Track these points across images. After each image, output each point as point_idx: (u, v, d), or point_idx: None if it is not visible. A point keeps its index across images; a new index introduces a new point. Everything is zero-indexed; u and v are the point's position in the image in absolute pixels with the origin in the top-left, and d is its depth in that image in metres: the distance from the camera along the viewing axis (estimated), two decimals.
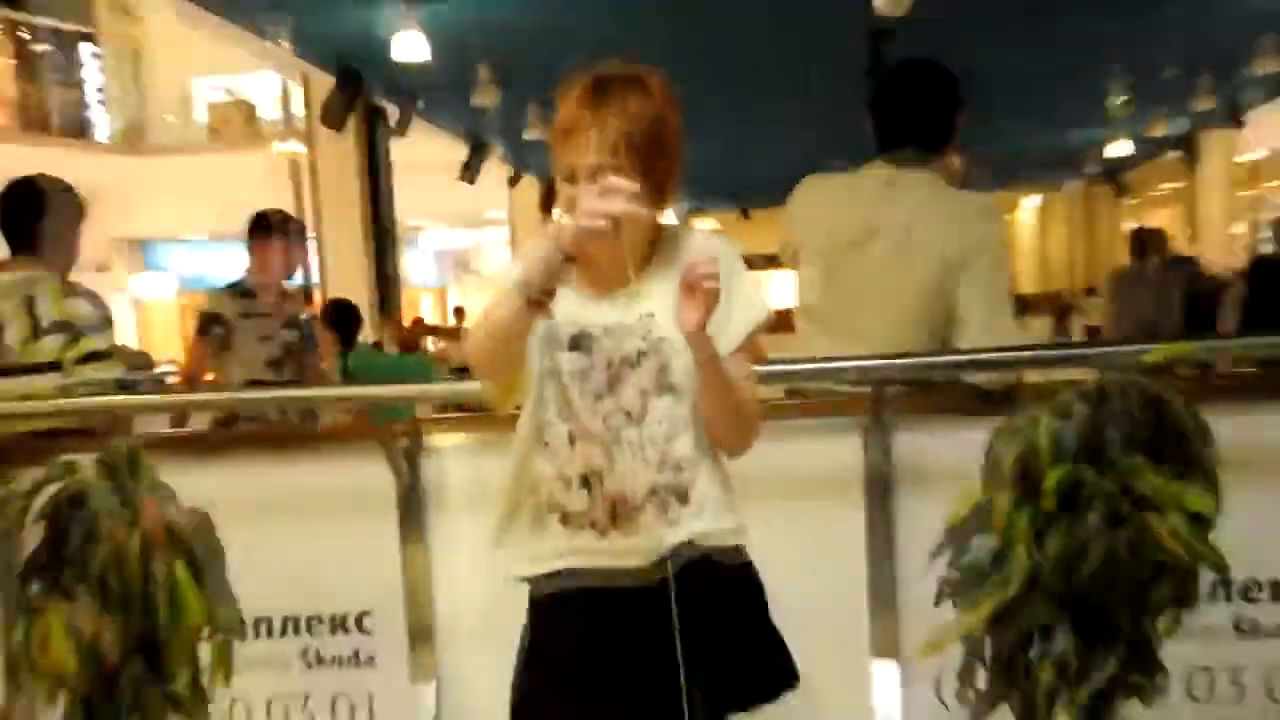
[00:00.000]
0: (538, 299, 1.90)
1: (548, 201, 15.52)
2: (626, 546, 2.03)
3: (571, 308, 2.04)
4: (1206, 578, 2.28)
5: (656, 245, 2.11)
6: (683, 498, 2.04)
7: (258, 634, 3.23)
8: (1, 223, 3.77)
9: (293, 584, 3.25)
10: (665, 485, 2.03)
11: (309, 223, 13.45)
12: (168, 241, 21.88)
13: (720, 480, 2.09)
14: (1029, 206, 28.57)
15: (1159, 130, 17.44)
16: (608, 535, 2.04)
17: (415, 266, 23.81)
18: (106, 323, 3.65)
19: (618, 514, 2.03)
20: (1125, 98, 15.80)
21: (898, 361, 3.08)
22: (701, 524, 2.04)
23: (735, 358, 2.07)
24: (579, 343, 2.04)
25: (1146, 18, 9.91)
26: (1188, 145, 18.83)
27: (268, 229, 5.28)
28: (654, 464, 2.03)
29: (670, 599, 1.98)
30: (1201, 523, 2.15)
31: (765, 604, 2.16)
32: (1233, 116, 16.42)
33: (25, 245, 3.71)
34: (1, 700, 2.51)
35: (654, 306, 2.05)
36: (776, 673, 2.15)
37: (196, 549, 2.39)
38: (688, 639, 1.99)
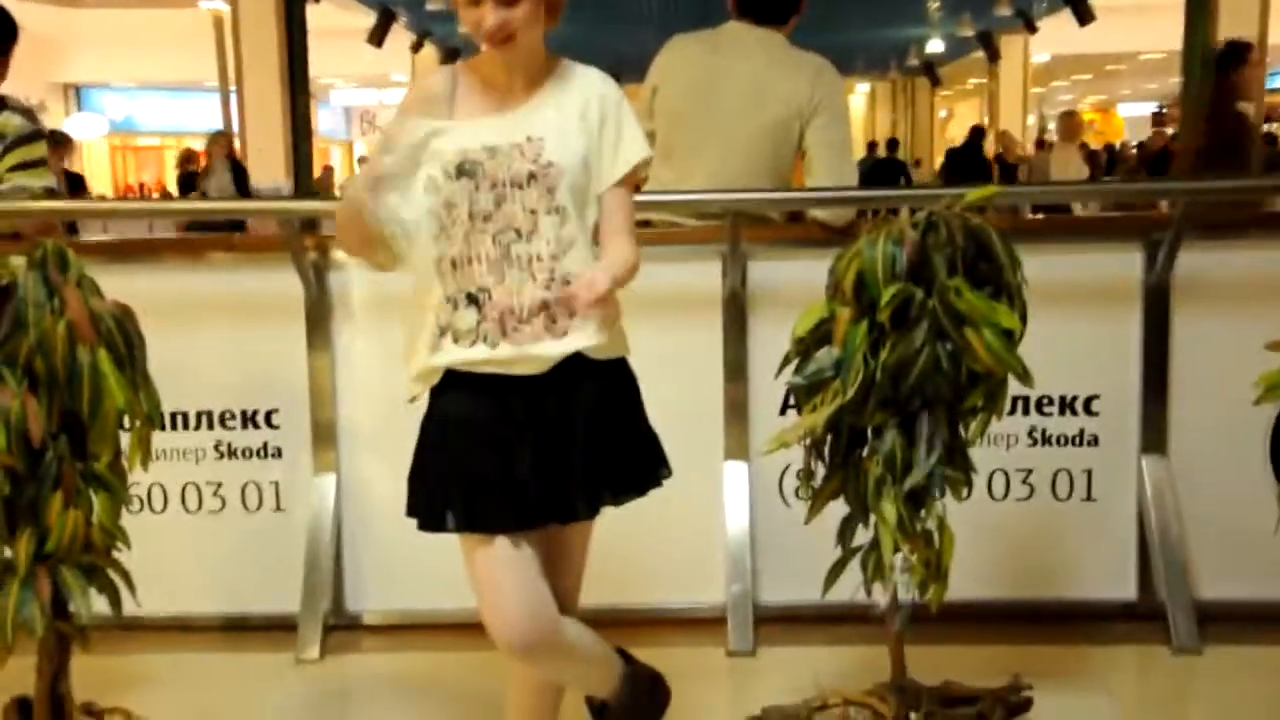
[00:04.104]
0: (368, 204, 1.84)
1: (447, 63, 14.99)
2: (515, 355, 1.88)
3: (457, 137, 1.87)
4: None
5: (547, 71, 1.95)
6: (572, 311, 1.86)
7: (174, 426, 3.06)
8: None
9: (207, 382, 3.08)
10: (555, 300, 1.86)
11: (231, 76, 12.84)
12: (99, 87, 20.85)
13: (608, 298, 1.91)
14: (860, 92, 28.56)
15: (965, 30, 17.50)
16: (497, 347, 1.87)
17: (326, 121, 23.22)
18: (38, 135, 3.29)
19: (506, 327, 1.87)
20: (937, 3, 15.82)
21: (757, 195, 2.97)
22: (586, 338, 1.89)
23: (618, 190, 1.95)
24: (464, 170, 1.86)
25: None
26: (989, 46, 18.86)
27: None
28: (542, 280, 1.87)
29: (557, 389, 1.89)
30: (1010, 338, 2.12)
31: (640, 400, 2.04)
32: (1026, 23, 16.40)
33: None
34: None
35: (544, 130, 1.89)
36: (650, 465, 2.04)
37: (119, 339, 2.22)
38: (574, 424, 1.91)
